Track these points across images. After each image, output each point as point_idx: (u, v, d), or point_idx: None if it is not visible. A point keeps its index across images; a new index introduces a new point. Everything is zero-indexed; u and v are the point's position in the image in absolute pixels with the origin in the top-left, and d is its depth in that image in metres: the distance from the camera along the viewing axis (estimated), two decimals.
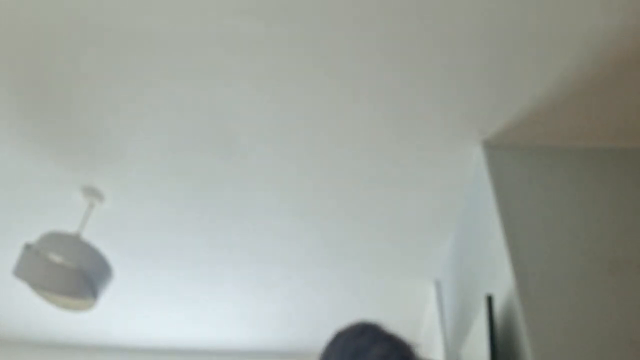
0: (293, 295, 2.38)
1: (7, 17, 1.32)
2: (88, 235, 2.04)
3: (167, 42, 1.36)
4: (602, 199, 1.41)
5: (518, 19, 1.25)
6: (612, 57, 1.32)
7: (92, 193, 1.85)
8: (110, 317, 2.59)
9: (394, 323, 2.74)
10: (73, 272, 1.66)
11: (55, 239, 1.71)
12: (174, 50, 1.38)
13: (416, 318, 2.45)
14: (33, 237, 2.04)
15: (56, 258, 1.66)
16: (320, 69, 1.40)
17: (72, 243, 1.72)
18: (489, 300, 1.29)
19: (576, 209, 1.39)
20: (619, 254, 1.28)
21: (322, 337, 2.67)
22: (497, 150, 1.55)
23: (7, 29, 1.35)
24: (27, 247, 1.69)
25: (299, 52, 1.36)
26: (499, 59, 1.34)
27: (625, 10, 1.22)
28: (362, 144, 1.61)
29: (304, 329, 2.63)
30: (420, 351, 0.91)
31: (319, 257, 2.13)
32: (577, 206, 1.40)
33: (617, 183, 1.44)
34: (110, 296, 2.41)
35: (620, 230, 1.34)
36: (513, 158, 1.52)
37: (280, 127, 1.58)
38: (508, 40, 1.30)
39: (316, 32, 1.31)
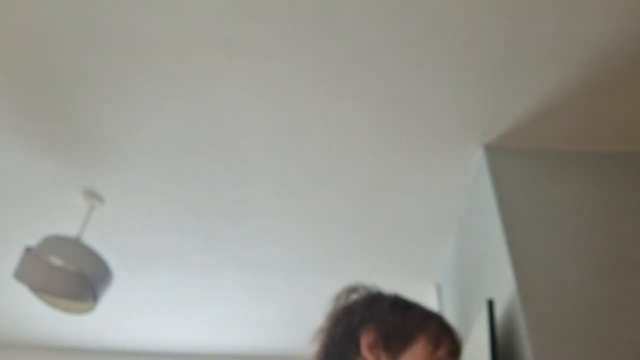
0: (292, 299, 2.38)
1: (7, 17, 1.33)
2: (88, 238, 2.04)
3: (168, 46, 1.36)
4: (603, 202, 1.40)
5: (518, 23, 1.25)
6: (613, 61, 1.32)
7: (93, 196, 1.85)
8: (109, 320, 2.59)
9: None
10: (73, 275, 1.66)
11: (55, 242, 1.71)
12: (175, 54, 1.38)
13: None
14: (33, 240, 2.04)
15: (56, 261, 1.66)
16: (321, 73, 1.40)
17: (73, 246, 1.72)
18: (490, 304, 1.29)
19: (577, 212, 1.39)
20: (620, 257, 1.28)
21: None
22: (498, 153, 1.54)
23: (7, 30, 1.36)
24: (28, 250, 1.69)
25: (299, 56, 1.36)
26: (500, 62, 1.34)
27: (626, 15, 1.22)
28: (362, 147, 1.61)
29: (303, 334, 2.62)
30: None
31: (318, 261, 2.13)
32: (579, 209, 1.39)
33: (618, 186, 1.44)
34: (109, 299, 2.41)
35: (621, 233, 1.33)
36: (514, 161, 1.52)
37: (280, 131, 1.58)
38: (509, 43, 1.30)
39: (316, 37, 1.31)
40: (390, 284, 2.26)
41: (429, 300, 2.29)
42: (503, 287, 1.31)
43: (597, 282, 1.23)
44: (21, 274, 1.65)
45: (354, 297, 0.96)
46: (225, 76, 1.43)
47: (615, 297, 1.21)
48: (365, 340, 0.81)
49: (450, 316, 1.92)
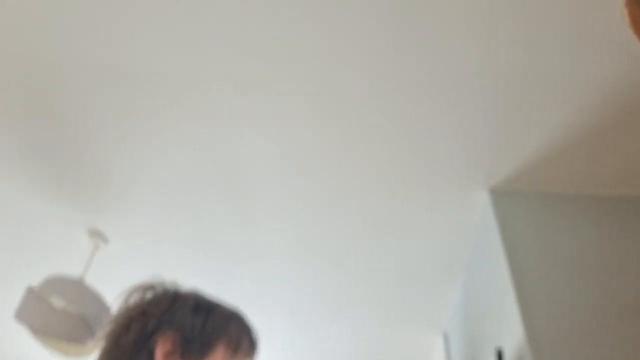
0: (295, 344, 2.32)
1: (17, 55, 1.36)
2: (92, 278, 2.02)
3: (174, 85, 1.38)
4: (609, 246, 1.38)
5: (524, 67, 1.27)
6: (617, 105, 1.33)
7: (98, 236, 1.85)
8: None
9: None
10: (75, 317, 1.63)
11: (58, 283, 1.70)
12: (181, 93, 1.40)
13: None
14: (37, 279, 2.03)
15: (58, 302, 1.64)
16: (327, 112, 1.41)
17: (75, 287, 1.70)
18: (499, 353, 1.25)
19: (585, 257, 1.36)
20: (627, 302, 1.25)
21: None
22: (503, 196, 1.54)
23: (17, 68, 1.39)
24: (30, 290, 1.68)
25: (306, 94, 1.37)
26: (505, 106, 1.36)
27: (630, 59, 1.24)
28: (368, 189, 1.61)
29: None
30: None
31: (323, 306, 2.09)
32: (586, 254, 1.37)
33: (623, 230, 1.42)
34: None
35: (628, 278, 1.31)
36: (520, 204, 1.51)
37: (286, 170, 1.59)
38: (514, 88, 1.32)
39: (324, 75, 1.32)
40: (397, 332, 2.21)
41: (436, 349, 2.22)
42: (512, 335, 1.27)
43: (605, 328, 1.20)
44: (22, 315, 1.63)
45: (150, 296, 0.84)
46: (234, 116, 1.45)
47: (625, 343, 1.17)
48: (162, 348, 0.71)
49: None
